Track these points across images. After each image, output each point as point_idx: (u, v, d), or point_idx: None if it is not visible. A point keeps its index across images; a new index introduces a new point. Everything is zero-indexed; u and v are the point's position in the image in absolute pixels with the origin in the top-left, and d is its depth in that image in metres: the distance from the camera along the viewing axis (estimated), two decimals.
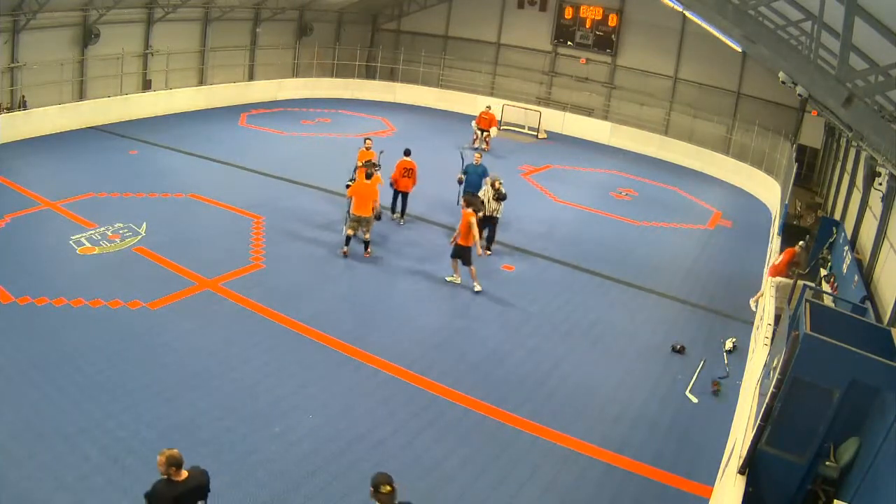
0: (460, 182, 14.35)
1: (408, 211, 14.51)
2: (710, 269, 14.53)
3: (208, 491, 5.16)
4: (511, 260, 13.32)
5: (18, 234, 11.81)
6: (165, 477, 4.84)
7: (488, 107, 23.18)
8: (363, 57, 30.41)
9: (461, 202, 12.24)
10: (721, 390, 9.37)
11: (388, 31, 32.06)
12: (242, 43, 25.99)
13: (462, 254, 11.46)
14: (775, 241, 13.95)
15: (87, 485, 6.34)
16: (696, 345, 10.69)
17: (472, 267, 11.53)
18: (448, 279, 11.83)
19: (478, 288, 11.57)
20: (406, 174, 14.18)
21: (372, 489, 4.94)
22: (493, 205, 12.76)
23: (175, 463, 4.85)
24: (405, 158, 14.35)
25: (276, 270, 11.59)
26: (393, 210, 14.44)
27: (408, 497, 5.08)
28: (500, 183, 12.95)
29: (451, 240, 11.82)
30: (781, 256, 12.32)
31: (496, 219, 13.03)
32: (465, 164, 14.50)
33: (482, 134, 22.27)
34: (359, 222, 12.26)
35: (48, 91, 18.88)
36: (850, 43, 6.54)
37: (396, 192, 14.31)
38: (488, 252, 13.01)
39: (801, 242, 12.81)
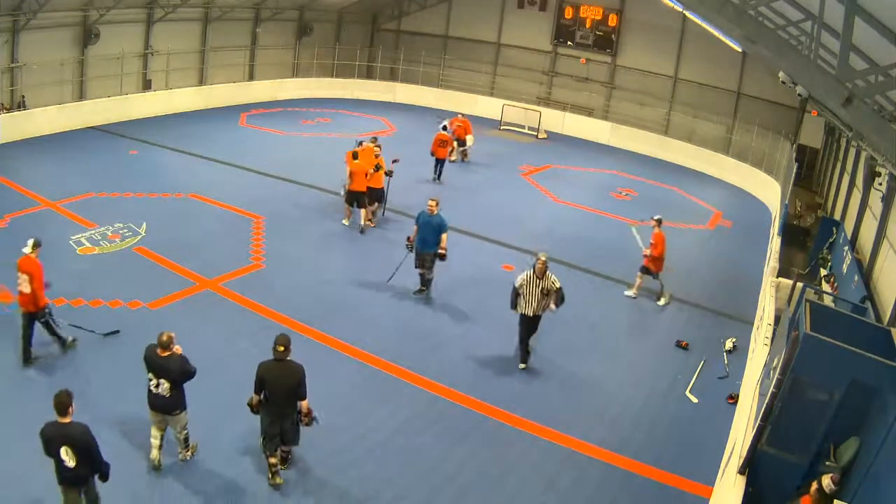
0: (409, 246, 11.00)
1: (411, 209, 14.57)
2: (710, 269, 14.53)
3: (86, 442, 5.47)
4: (511, 260, 13.31)
5: (18, 234, 11.77)
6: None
7: (460, 115, 20.92)
8: (363, 57, 30.41)
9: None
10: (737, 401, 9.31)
11: (388, 31, 32.07)
12: (242, 43, 26.00)
13: (359, 198, 13.33)
14: (775, 241, 13.94)
15: None
16: (696, 345, 10.69)
17: (368, 209, 13.40)
18: (344, 222, 13.70)
19: (371, 226, 13.73)
20: (441, 145, 17.60)
21: (273, 346, 6.31)
22: (539, 298, 9.11)
23: (57, 408, 5.36)
24: (441, 132, 17.77)
25: (276, 270, 11.59)
26: (436, 175, 17.75)
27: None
28: (550, 271, 9.14)
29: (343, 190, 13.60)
30: (655, 242, 11.84)
31: (539, 317, 9.37)
32: (416, 217, 11.08)
33: (458, 146, 19.96)
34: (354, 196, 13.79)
35: (48, 91, 18.88)
36: (850, 43, 6.55)
37: (436, 161, 17.65)
38: (525, 365, 9.54)
39: (657, 217, 12.16)
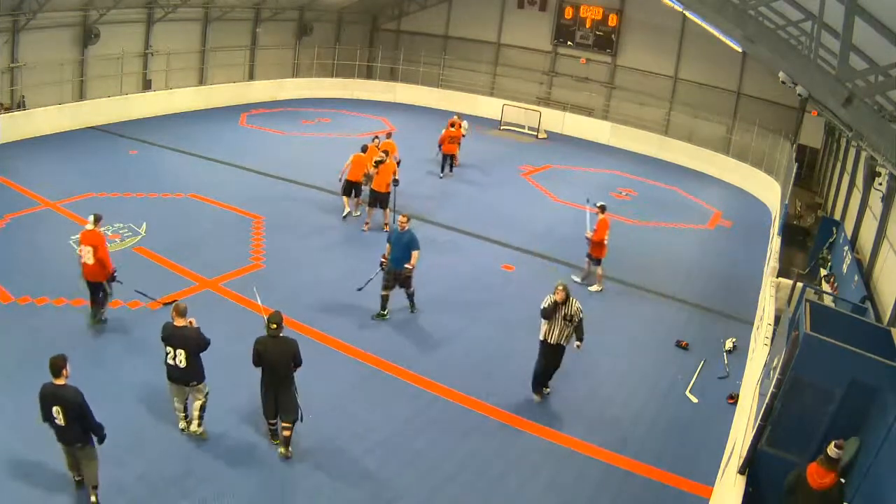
0: (383, 266, 10.28)
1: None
2: (710, 269, 14.53)
3: (77, 404, 5.79)
4: (511, 260, 13.32)
5: (18, 234, 11.81)
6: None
7: (458, 116, 20.07)
8: (363, 57, 30.41)
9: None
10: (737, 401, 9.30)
11: (388, 31, 32.07)
12: (242, 43, 25.99)
13: (355, 188, 13.71)
14: (775, 241, 13.94)
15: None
16: (696, 345, 10.69)
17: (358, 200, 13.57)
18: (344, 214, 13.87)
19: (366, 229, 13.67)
20: (451, 140, 18.09)
21: (266, 323, 6.76)
22: (563, 325, 8.35)
23: (51, 369, 5.74)
24: (450, 129, 18.16)
25: (276, 270, 11.58)
26: (442, 169, 18.30)
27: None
28: (573, 300, 8.37)
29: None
30: (597, 228, 12.01)
31: (563, 348, 8.59)
32: (388, 234, 10.55)
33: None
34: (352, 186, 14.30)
35: (48, 91, 18.87)
36: (850, 43, 6.55)
37: (444, 156, 18.19)
38: (539, 397, 8.85)
39: (600, 204, 12.36)
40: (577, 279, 12.48)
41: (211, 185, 15.49)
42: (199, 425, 7.14)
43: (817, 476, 5.56)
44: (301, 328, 9.70)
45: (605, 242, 12.10)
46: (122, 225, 12.54)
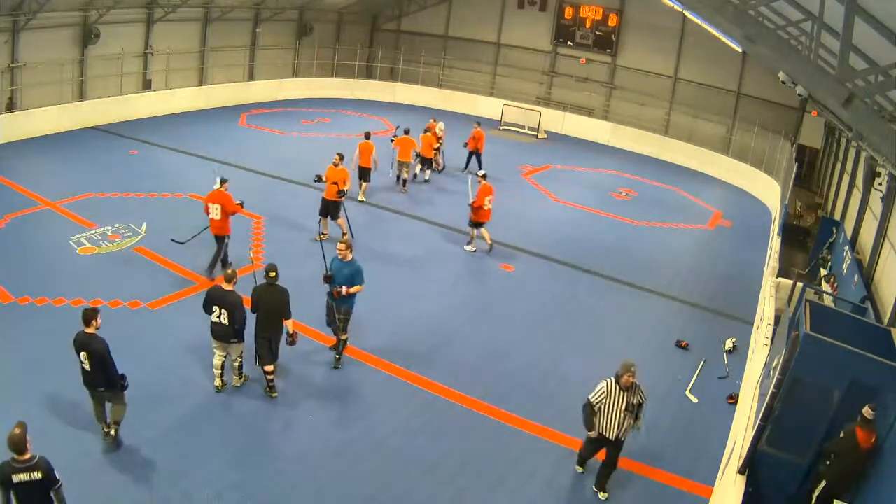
0: (328, 280, 8.66)
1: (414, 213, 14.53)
2: (710, 269, 14.53)
3: (101, 354, 6.46)
4: (510, 260, 13.32)
5: (18, 234, 11.80)
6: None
7: (434, 119, 19.03)
8: (363, 57, 30.41)
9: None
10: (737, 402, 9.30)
11: (388, 31, 32.06)
12: (242, 43, 25.98)
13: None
14: (775, 241, 13.94)
15: (86, 482, 6.35)
16: (696, 345, 10.70)
17: (340, 220, 12.82)
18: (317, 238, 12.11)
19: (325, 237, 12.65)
20: (474, 139, 18.98)
21: (265, 272, 7.71)
22: (621, 417, 6.89)
23: (83, 318, 6.47)
24: (478, 128, 18.97)
25: None
26: (466, 167, 18.99)
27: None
28: (632, 373, 6.88)
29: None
30: (477, 194, 13.00)
31: (622, 443, 7.08)
32: (329, 262, 8.86)
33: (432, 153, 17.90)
34: (402, 165, 16.31)
35: (48, 91, 18.87)
36: (850, 43, 6.55)
37: (470, 153, 18.94)
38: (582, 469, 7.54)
39: (482, 173, 13.59)
40: (468, 247, 13.43)
41: (211, 185, 15.42)
42: (240, 378, 8.12)
43: (865, 438, 5.87)
44: (301, 328, 9.67)
45: (485, 207, 13.01)
46: (122, 225, 12.54)
